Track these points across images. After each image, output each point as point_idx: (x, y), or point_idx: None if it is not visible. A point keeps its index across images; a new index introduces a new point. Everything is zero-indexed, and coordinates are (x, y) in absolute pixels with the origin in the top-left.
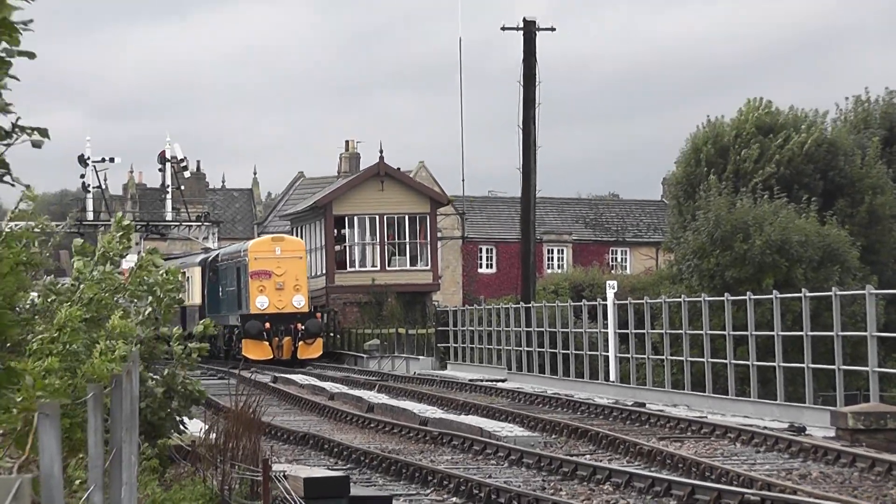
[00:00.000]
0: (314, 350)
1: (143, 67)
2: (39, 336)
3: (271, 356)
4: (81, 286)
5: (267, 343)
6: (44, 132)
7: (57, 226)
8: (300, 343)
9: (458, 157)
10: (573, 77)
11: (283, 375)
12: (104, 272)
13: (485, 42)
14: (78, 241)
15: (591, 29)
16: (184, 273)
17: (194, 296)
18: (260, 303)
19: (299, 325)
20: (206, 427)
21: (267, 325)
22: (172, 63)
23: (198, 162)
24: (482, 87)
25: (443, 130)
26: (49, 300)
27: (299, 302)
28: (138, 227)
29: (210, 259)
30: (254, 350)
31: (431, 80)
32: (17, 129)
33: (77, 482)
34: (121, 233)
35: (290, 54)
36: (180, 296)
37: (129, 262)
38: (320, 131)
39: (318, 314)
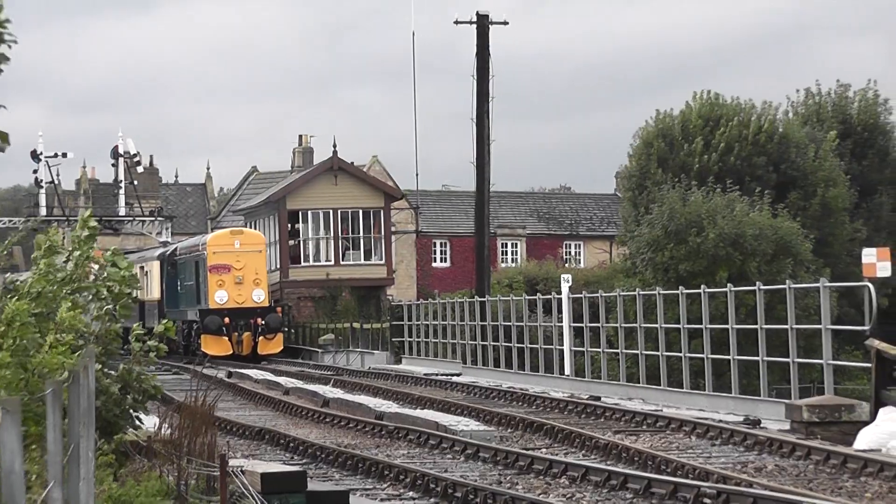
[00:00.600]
0: (274, 345)
1: (99, 61)
2: None
3: (231, 352)
4: (29, 280)
5: (226, 338)
6: (4, 137)
7: (10, 222)
8: (260, 338)
9: (412, 149)
10: (528, 71)
11: (237, 370)
12: (48, 264)
13: (443, 35)
14: (41, 237)
15: (547, 23)
16: (142, 267)
17: (153, 290)
18: (219, 297)
19: (259, 320)
20: (161, 422)
21: (226, 320)
22: (129, 57)
23: (150, 157)
24: (440, 80)
25: (400, 123)
26: (8, 297)
27: (259, 296)
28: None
29: (168, 253)
30: (213, 345)
31: (391, 73)
32: None
33: (34, 477)
34: (87, 233)
35: (248, 49)
36: (136, 292)
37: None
38: (274, 125)
39: (279, 308)
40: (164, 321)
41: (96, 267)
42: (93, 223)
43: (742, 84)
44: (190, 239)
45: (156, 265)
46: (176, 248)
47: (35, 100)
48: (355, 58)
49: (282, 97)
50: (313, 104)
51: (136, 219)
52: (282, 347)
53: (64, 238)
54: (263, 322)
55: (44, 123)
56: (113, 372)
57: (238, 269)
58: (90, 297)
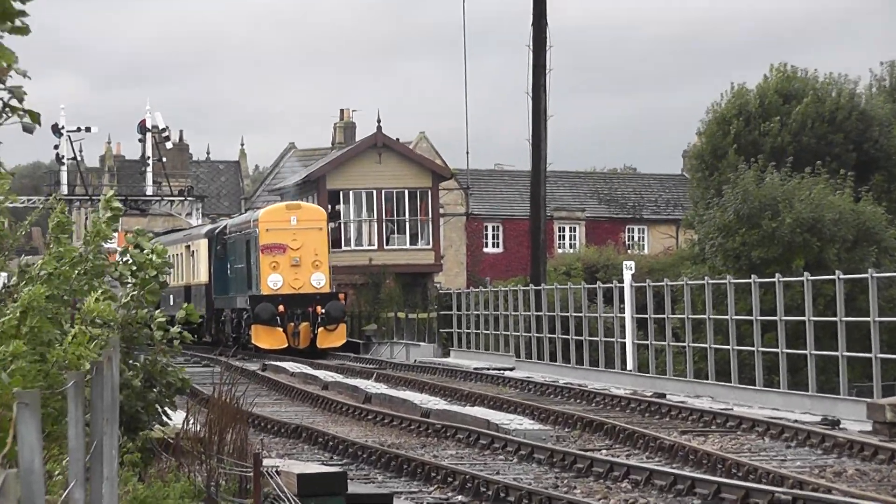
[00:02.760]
0: (336, 338)
1: (135, 33)
2: (2, 318)
3: (286, 345)
4: (40, 262)
5: (281, 329)
6: (35, 117)
7: (29, 201)
8: (320, 329)
9: (465, 126)
10: (591, 43)
11: (272, 363)
12: (63, 244)
13: (501, 4)
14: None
15: None
16: (188, 247)
17: (200, 273)
18: (272, 282)
19: (319, 309)
20: (189, 418)
21: (281, 308)
22: (164, 29)
23: (180, 132)
24: (498, 52)
25: (453, 98)
26: (23, 282)
27: (319, 281)
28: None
29: (217, 231)
30: (265, 338)
31: (444, 45)
32: (7, 110)
33: (57, 475)
34: (109, 214)
35: (291, 20)
36: (181, 276)
37: (112, 243)
38: (316, 100)
39: (342, 295)
40: (186, 305)
41: (111, 245)
42: (116, 204)
43: (828, 59)
44: (241, 215)
45: (203, 244)
46: (226, 226)
47: (64, 71)
48: (407, 29)
49: (326, 70)
50: (361, 78)
51: (165, 198)
52: (344, 340)
53: (87, 218)
54: (323, 311)
55: (69, 97)
56: (136, 364)
57: (294, 249)
58: (114, 281)
